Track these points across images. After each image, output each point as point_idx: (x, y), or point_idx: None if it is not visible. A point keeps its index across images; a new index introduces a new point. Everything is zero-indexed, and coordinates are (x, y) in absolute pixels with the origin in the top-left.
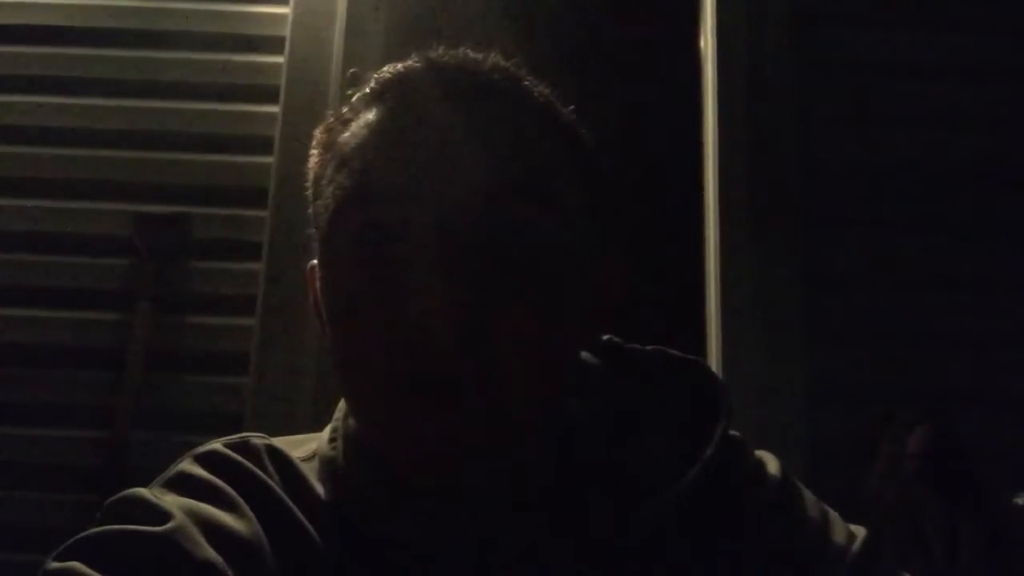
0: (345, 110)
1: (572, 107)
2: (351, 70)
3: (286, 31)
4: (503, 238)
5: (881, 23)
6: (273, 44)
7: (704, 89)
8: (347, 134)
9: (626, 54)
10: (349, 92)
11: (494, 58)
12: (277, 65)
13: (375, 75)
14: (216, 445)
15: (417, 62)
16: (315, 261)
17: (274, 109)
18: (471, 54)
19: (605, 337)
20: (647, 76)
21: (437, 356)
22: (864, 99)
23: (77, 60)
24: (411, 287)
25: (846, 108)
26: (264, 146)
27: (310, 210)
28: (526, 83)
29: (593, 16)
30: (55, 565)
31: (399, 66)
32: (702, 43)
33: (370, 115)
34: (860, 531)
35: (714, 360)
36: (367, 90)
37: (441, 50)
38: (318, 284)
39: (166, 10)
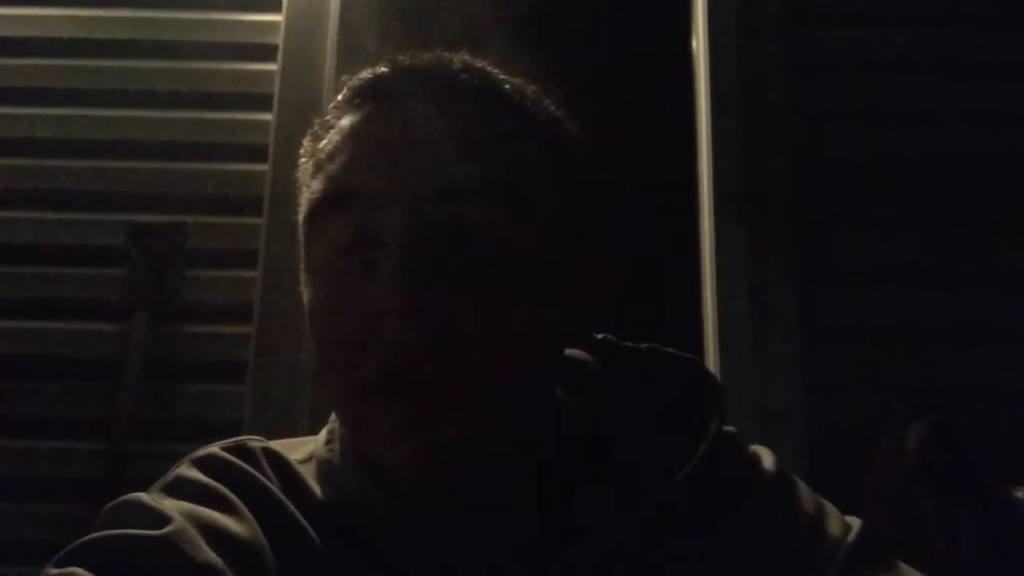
0: (328, 117)
1: (558, 105)
2: (344, 77)
3: (279, 39)
4: (467, 239)
5: (872, 21)
6: (266, 52)
7: (697, 86)
8: (324, 140)
9: (620, 52)
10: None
11: (465, 58)
12: (270, 73)
13: (349, 82)
14: (213, 449)
15: (387, 66)
16: None
17: (268, 117)
18: (444, 55)
19: (600, 335)
20: (641, 74)
21: (401, 356)
22: (856, 96)
23: (71, 71)
24: (375, 288)
25: (838, 105)
26: (258, 154)
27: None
28: (499, 81)
29: (591, 17)
30: (55, 571)
31: (372, 71)
32: (694, 42)
33: (344, 120)
34: (856, 522)
35: (709, 357)
36: (342, 96)
37: (410, 53)
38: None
39: (159, 20)
